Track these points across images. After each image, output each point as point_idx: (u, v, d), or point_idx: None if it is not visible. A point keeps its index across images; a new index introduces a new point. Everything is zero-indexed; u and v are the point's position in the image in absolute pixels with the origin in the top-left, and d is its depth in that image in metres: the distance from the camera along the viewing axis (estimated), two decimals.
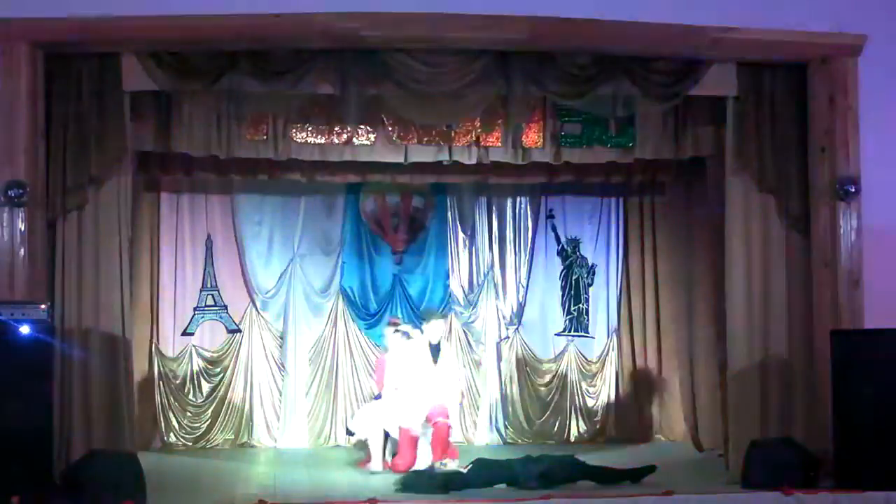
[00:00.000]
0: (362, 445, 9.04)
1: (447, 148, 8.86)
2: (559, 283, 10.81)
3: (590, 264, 10.79)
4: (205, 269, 10.37)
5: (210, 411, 10.16)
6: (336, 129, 8.45)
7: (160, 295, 10.19)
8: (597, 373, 10.75)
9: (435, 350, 8.95)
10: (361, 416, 9.09)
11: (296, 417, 10.20)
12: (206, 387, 10.21)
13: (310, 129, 8.64)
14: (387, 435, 8.68)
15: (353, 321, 10.56)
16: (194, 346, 10.23)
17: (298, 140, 8.63)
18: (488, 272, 10.72)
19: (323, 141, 8.67)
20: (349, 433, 9.45)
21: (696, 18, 7.36)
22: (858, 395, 7.10)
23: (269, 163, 9.07)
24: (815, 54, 7.72)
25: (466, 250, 10.76)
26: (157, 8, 7.00)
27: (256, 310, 10.37)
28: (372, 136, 8.69)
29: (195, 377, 10.18)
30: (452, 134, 8.72)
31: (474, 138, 8.76)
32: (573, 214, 10.88)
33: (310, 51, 7.54)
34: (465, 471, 7.78)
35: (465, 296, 10.73)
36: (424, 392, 8.63)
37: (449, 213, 10.73)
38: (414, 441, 8.54)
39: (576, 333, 10.78)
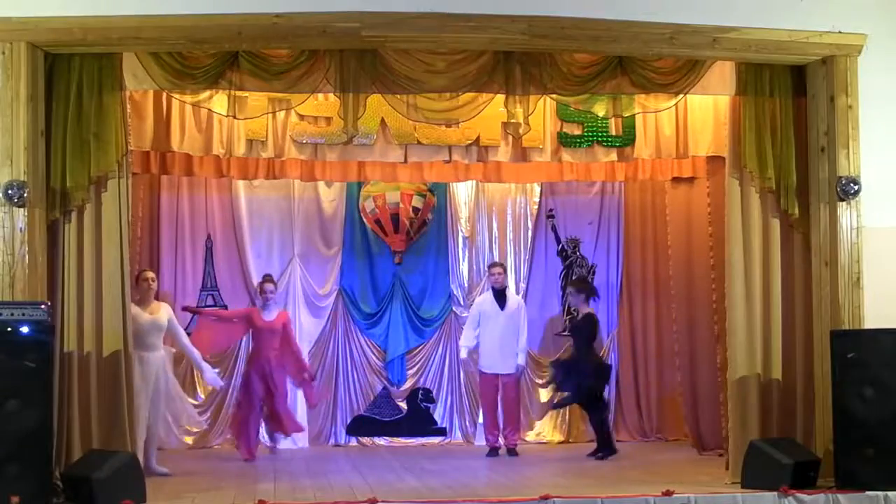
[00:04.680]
0: None
1: (447, 148, 8.88)
2: (559, 283, 10.80)
3: (590, 264, 10.78)
4: (205, 269, 10.38)
5: (210, 411, 10.15)
6: (336, 128, 8.45)
7: (160, 295, 10.17)
8: None
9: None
10: None
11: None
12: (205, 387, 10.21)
13: (309, 128, 8.66)
14: None
15: (354, 321, 10.56)
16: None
17: (298, 140, 8.65)
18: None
19: (323, 141, 8.69)
20: None
21: (696, 18, 7.36)
22: (858, 395, 7.09)
23: (269, 163, 9.08)
24: (815, 54, 7.71)
25: (466, 250, 10.75)
26: (157, 8, 7.00)
27: None
28: (372, 136, 8.71)
29: (195, 377, 10.17)
30: (452, 134, 8.73)
31: (474, 138, 8.77)
32: (573, 214, 10.87)
33: (310, 51, 7.54)
34: None
35: (465, 296, 10.72)
36: None
37: (449, 213, 10.72)
38: None
39: None
